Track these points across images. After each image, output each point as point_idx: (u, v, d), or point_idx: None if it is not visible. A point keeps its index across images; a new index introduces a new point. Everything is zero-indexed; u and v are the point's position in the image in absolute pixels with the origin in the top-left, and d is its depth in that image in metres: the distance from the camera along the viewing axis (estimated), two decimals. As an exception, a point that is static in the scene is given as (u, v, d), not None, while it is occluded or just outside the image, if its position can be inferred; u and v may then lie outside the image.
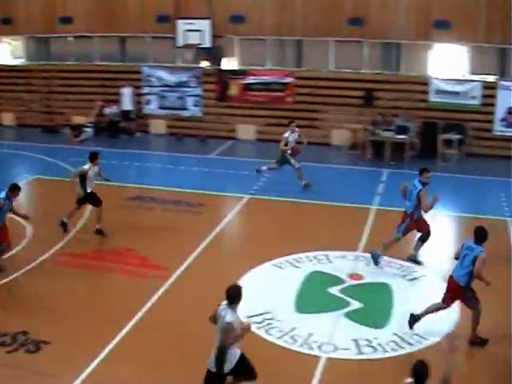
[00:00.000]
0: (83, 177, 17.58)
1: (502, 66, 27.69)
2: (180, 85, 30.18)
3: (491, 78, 27.49)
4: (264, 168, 22.81)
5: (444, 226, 19.95)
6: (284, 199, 21.09)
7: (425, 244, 16.44)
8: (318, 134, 28.30)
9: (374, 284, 15.19)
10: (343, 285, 15.02)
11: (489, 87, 27.20)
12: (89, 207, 18.63)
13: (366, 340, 12.75)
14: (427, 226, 16.36)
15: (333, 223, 19.16)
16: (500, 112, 27.16)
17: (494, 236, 17.64)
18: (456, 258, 13.02)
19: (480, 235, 12.66)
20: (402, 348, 12.58)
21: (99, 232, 17.78)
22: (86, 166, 17.60)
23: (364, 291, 14.88)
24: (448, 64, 27.85)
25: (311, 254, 16.58)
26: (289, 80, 28.81)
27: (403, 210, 16.27)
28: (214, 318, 10.20)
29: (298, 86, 28.68)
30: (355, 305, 14.13)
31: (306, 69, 29.10)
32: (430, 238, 16.41)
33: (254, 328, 12.95)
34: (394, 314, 13.88)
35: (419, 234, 16.50)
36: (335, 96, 28.07)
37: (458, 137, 26.31)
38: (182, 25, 29.18)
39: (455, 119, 27.00)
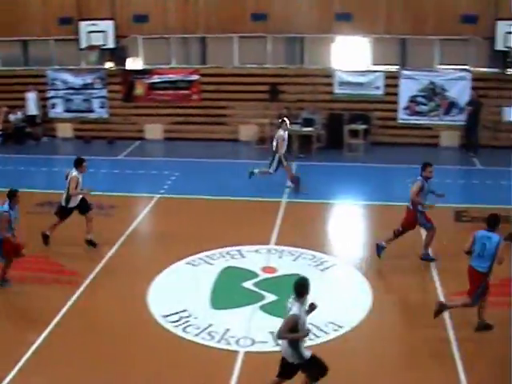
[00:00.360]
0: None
1: (402, 56, 28.29)
2: (85, 87, 29.82)
3: (393, 68, 28.05)
4: (256, 171, 21.98)
5: (353, 214, 20.29)
6: (195, 197, 21.11)
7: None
8: (225, 130, 28.51)
9: (287, 276, 15.22)
10: (257, 278, 15.15)
11: (391, 77, 27.81)
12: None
13: (283, 332, 12.91)
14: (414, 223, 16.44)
15: (244, 218, 19.25)
16: (403, 101, 27.83)
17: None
18: (467, 252, 13.14)
19: (493, 222, 12.86)
20: (318, 337, 12.77)
21: (90, 243, 17.13)
22: (74, 173, 16.87)
23: (278, 284, 15.00)
24: (351, 56, 28.27)
25: (224, 250, 16.66)
26: (194, 77, 28.81)
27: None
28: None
29: (204, 83, 28.71)
30: (270, 297, 14.25)
31: (211, 65, 29.13)
32: (348, 228, 16.52)
33: (170, 327, 13.05)
34: (308, 304, 14.05)
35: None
36: (241, 92, 28.23)
37: (363, 127, 26.80)
38: (84, 26, 28.84)
39: (360, 110, 27.52)
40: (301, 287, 10.22)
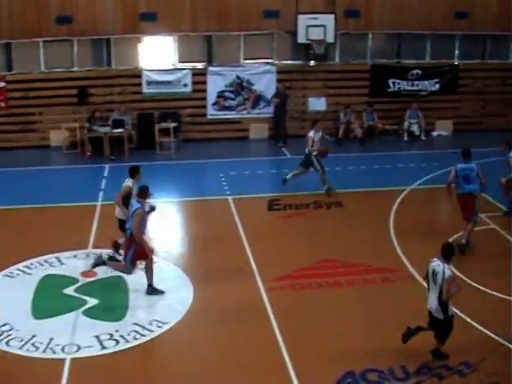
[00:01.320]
0: (128, 196, 15.50)
1: (209, 53, 28.70)
2: None
3: (200, 65, 28.48)
4: (289, 176, 21.52)
5: (169, 212, 20.45)
6: (6, 207, 20.50)
7: None
8: (35, 137, 27.92)
9: (107, 278, 15.34)
10: (77, 284, 15.05)
11: (198, 74, 28.25)
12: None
13: (108, 334, 12.93)
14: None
15: (60, 224, 18.90)
16: (211, 97, 28.33)
17: (220, 214, 18.65)
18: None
19: None
20: (144, 336, 12.91)
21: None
22: (130, 183, 15.62)
23: (99, 287, 15.02)
24: (158, 55, 28.39)
25: (41, 259, 16.33)
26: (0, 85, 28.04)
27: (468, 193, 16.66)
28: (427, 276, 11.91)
29: (10, 89, 27.86)
30: (92, 302, 14.23)
31: (17, 72, 28.36)
32: (165, 226, 16.64)
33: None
34: (130, 304, 14.20)
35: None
36: (49, 97, 27.62)
37: (173, 125, 26.98)
38: None
39: (170, 108, 27.78)
40: (450, 250, 11.73)
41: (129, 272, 14.60)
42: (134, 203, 14.39)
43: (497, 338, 12.54)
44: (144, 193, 14.47)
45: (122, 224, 15.55)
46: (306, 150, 21.22)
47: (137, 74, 27.96)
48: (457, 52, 30.20)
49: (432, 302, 11.74)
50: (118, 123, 26.42)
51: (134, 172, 15.86)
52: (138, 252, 14.27)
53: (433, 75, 29.82)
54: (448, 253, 11.69)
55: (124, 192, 15.64)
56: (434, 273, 11.62)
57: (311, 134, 21.23)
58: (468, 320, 13.16)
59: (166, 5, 27.55)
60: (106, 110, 27.40)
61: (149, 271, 14.56)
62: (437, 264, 11.66)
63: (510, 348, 12.25)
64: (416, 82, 29.70)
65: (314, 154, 21.07)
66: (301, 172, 21.53)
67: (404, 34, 29.37)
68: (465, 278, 14.99)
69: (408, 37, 29.44)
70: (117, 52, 28.32)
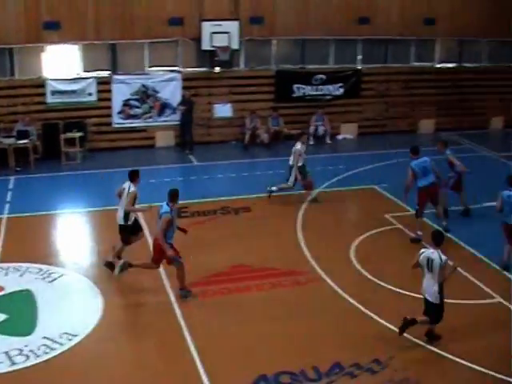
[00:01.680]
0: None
1: (113, 61, 28.50)
2: None
3: (105, 74, 28.26)
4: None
5: (76, 223, 20.15)
6: None
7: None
8: None
9: (15, 293, 15.09)
10: (-15, 299, 14.82)
11: (103, 82, 27.95)
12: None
13: (17, 350, 12.74)
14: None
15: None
16: (116, 105, 28.10)
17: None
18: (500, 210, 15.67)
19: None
20: (54, 349, 12.77)
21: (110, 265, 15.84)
22: (133, 188, 15.49)
23: (7, 302, 14.75)
24: (62, 64, 28.01)
25: None
26: None
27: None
28: (418, 264, 12.62)
29: None
30: (0, 317, 13.95)
31: None
32: (72, 237, 16.46)
33: None
34: (40, 318, 14.00)
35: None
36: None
37: (79, 134, 26.52)
38: None
39: (75, 117, 27.38)
40: (441, 236, 12.71)
41: (179, 261, 14.62)
42: (164, 206, 14.42)
43: (405, 334, 12.86)
44: (175, 197, 14.50)
45: (122, 230, 15.93)
46: (290, 162, 21.12)
47: (41, 84, 27.47)
48: (359, 57, 30.82)
49: (429, 288, 12.43)
50: (23, 134, 25.90)
51: (133, 176, 15.86)
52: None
53: (336, 80, 30.34)
54: (439, 239, 12.54)
55: (133, 199, 15.60)
56: (429, 260, 12.32)
57: (299, 147, 21.07)
58: (375, 317, 13.48)
59: (69, 13, 27.14)
60: (10, 120, 26.78)
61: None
62: (430, 252, 12.40)
63: (419, 343, 12.67)
64: (320, 87, 30.19)
65: (299, 165, 21.05)
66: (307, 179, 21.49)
67: (308, 40, 29.84)
68: (370, 277, 15.45)
69: (312, 42, 29.94)
70: (20, 61, 27.76)
